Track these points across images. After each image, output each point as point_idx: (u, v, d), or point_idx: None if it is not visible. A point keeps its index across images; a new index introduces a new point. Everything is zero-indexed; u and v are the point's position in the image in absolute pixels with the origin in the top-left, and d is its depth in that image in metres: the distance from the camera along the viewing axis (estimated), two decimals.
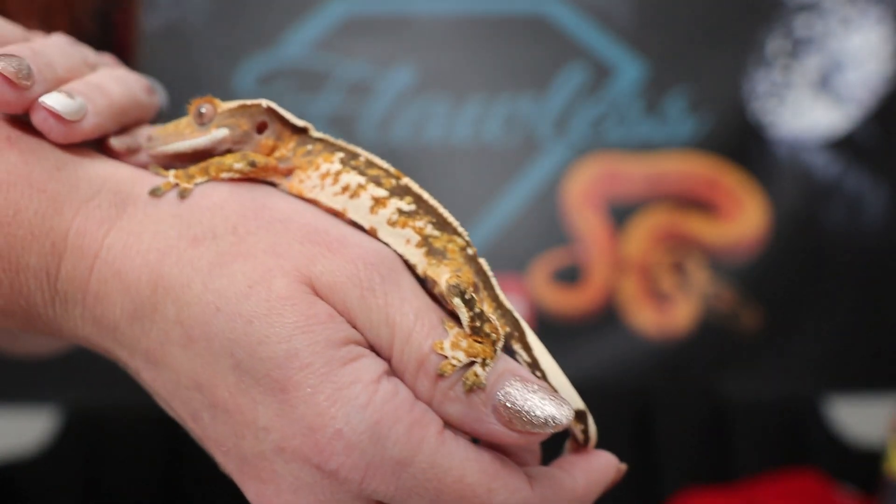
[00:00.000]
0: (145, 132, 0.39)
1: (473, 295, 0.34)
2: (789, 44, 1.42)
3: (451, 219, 0.36)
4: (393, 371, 0.34)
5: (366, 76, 1.38)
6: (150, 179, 0.36)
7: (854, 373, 1.42)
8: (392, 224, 0.36)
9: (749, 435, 1.35)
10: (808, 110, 1.42)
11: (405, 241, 0.36)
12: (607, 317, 1.40)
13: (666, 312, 1.41)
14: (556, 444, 0.37)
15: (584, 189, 1.41)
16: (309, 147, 0.38)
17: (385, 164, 0.37)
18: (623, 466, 0.39)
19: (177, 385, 0.34)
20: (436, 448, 0.32)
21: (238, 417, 0.33)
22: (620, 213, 1.41)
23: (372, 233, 0.36)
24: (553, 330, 1.38)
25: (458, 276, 0.34)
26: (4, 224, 0.33)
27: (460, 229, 0.36)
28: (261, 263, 0.33)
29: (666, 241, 1.42)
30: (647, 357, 1.38)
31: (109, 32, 0.53)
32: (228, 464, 0.34)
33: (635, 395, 1.33)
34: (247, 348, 0.32)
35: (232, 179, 0.36)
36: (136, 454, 1.29)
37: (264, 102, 0.38)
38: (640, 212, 1.41)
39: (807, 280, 1.42)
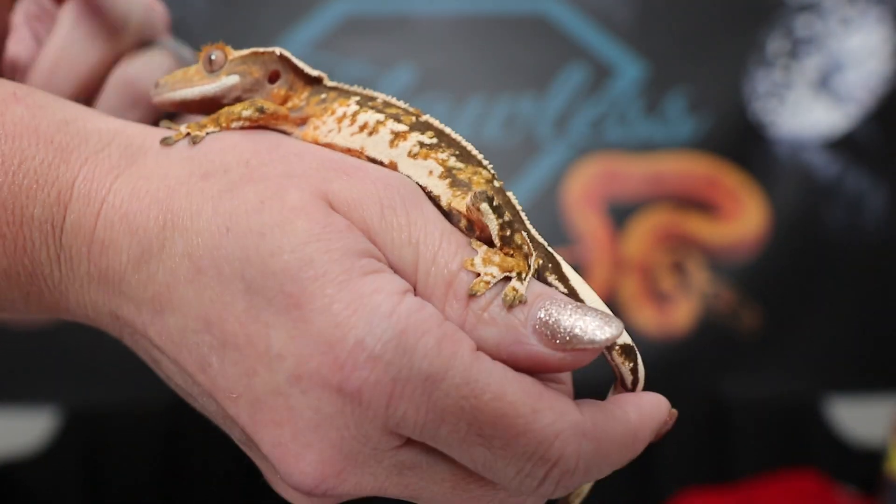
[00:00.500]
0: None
1: (502, 203, 0.31)
2: (789, 44, 1.42)
3: (475, 151, 0.34)
4: (418, 295, 0.31)
5: (366, 76, 1.38)
6: (161, 133, 0.35)
7: (854, 373, 1.42)
8: (413, 156, 0.34)
9: (749, 435, 1.35)
10: (808, 110, 1.42)
11: (427, 173, 0.34)
12: None
13: (666, 312, 1.41)
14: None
15: (584, 189, 1.41)
16: (323, 96, 0.36)
17: (404, 104, 0.35)
18: (675, 412, 0.36)
19: (184, 331, 0.31)
20: (470, 363, 0.29)
21: (249, 351, 0.30)
22: (620, 213, 1.41)
23: (392, 167, 0.34)
24: None
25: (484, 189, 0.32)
26: (9, 173, 0.32)
27: (486, 162, 0.34)
28: (273, 184, 0.31)
29: (666, 241, 1.42)
30: (647, 357, 1.37)
31: None
32: (241, 415, 0.31)
33: None
34: (258, 264, 0.30)
35: (243, 128, 0.35)
36: (136, 454, 1.29)
37: (277, 50, 0.37)
38: (640, 212, 1.41)
39: (807, 280, 1.42)
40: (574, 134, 1.41)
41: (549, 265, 0.34)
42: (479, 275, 0.31)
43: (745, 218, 1.42)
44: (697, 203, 1.42)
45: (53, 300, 0.34)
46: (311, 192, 0.31)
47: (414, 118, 0.35)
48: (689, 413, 1.35)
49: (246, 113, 0.35)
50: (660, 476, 1.33)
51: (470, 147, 0.34)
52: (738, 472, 1.32)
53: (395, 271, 0.31)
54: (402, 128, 0.34)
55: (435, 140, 0.34)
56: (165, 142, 0.34)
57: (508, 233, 0.31)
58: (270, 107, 0.35)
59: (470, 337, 0.30)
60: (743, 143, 1.42)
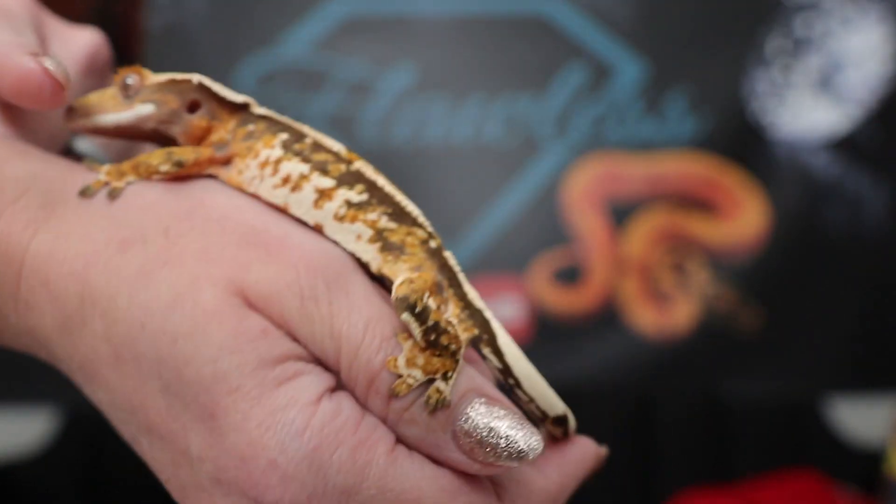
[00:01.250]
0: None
1: (428, 303, 0.30)
2: (789, 44, 1.42)
3: (410, 207, 0.32)
4: (342, 384, 0.31)
5: (366, 76, 1.38)
6: (82, 177, 0.33)
7: (854, 373, 1.42)
8: (339, 219, 0.32)
9: (749, 435, 1.35)
10: (808, 110, 1.42)
11: (356, 237, 0.32)
12: (607, 317, 1.40)
13: (666, 312, 1.41)
14: None
15: (584, 189, 1.41)
16: (250, 127, 0.34)
17: (336, 147, 0.33)
18: (603, 451, 0.36)
19: (112, 405, 0.32)
20: (385, 470, 0.29)
21: (172, 445, 0.31)
22: (620, 213, 1.41)
23: (318, 230, 0.32)
24: (553, 330, 1.38)
25: (409, 283, 0.30)
26: None
27: (421, 219, 0.33)
28: (188, 271, 0.30)
29: (666, 241, 1.42)
30: (647, 357, 1.38)
31: (112, 24, 0.52)
32: (172, 491, 0.32)
33: (635, 396, 1.33)
34: (173, 370, 0.29)
35: (163, 180, 0.33)
36: (135, 454, 1.28)
37: (195, 78, 0.34)
38: (640, 212, 1.41)
39: (807, 280, 1.42)
40: (574, 134, 1.41)
41: (485, 336, 0.32)
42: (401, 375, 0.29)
43: (745, 218, 1.42)
44: (697, 203, 1.42)
45: None
46: (226, 287, 0.29)
47: (344, 167, 0.32)
48: (689, 413, 1.35)
49: (164, 168, 0.32)
50: (660, 476, 1.33)
51: (405, 202, 0.32)
52: (738, 472, 1.32)
53: (319, 359, 0.30)
54: (327, 183, 0.32)
55: (364, 197, 0.32)
56: (85, 193, 0.32)
57: (433, 337, 0.30)
58: (189, 158, 0.33)
59: (392, 430, 0.30)
60: (743, 143, 1.42)
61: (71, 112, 0.35)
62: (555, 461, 0.33)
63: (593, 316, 1.40)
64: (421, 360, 0.29)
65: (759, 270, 1.41)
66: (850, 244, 1.42)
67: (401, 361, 0.29)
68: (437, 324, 0.30)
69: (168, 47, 1.34)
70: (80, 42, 0.40)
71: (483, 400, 0.30)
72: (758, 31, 1.42)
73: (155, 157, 0.33)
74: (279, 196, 0.32)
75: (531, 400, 0.33)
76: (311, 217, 0.32)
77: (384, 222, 0.32)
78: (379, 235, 0.32)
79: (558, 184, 1.41)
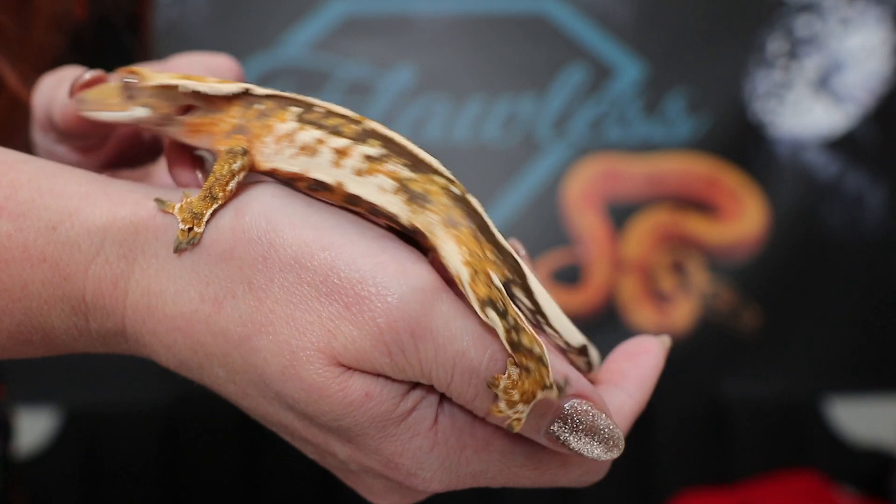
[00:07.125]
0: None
1: (505, 303, 0.30)
2: (789, 44, 1.42)
3: (428, 158, 0.32)
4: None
5: (366, 76, 1.38)
6: (154, 222, 0.33)
7: (854, 373, 1.42)
8: (360, 174, 0.32)
9: (749, 435, 1.35)
10: (807, 110, 1.42)
11: (379, 190, 0.32)
12: (607, 317, 1.40)
13: (666, 312, 1.41)
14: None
15: (584, 189, 1.41)
16: (260, 107, 0.34)
17: (347, 112, 0.33)
18: (667, 342, 0.39)
19: (249, 410, 0.34)
20: (505, 451, 0.33)
21: (316, 446, 0.34)
22: (620, 213, 1.41)
23: (338, 188, 0.32)
24: None
25: (469, 267, 0.31)
26: (16, 300, 0.33)
27: (439, 166, 0.33)
28: (284, 342, 0.31)
29: (666, 241, 1.42)
30: None
31: (134, 25, 0.53)
32: (320, 463, 0.36)
33: None
34: (305, 416, 0.32)
35: (231, 195, 0.33)
36: (135, 454, 1.29)
37: (181, 85, 0.34)
38: (640, 212, 1.41)
39: (807, 280, 1.42)
40: (574, 134, 1.41)
41: (518, 280, 0.33)
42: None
43: (744, 218, 1.42)
44: (697, 203, 1.42)
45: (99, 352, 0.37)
46: (321, 360, 0.31)
47: (356, 127, 0.33)
48: (689, 413, 1.35)
49: (236, 166, 0.33)
50: (660, 476, 1.33)
51: (421, 153, 0.32)
52: (738, 472, 1.32)
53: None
54: (343, 143, 0.32)
55: (382, 150, 0.32)
56: (178, 249, 0.32)
57: (516, 337, 0.30)
58: (245, 161, 0.33)
59: None
60: (743, 143, 1.42)
61: (80, 102, 0.36)
62: (633, 379, 0.37)
63: (593, 315, 1.40)
64: (516, 394, 0.31)
65: (758, 270, 1.41)
66: (850, 244, 1.42)
67: (503, 406, 0.31)
68: (516, 322, 0.30)
69: (168, 47, 1.34)
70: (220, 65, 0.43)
71: (570, 412, 0.32)
72: (758, 31, 1.42)
73: (219, 167, 0.33)
74: (298, 165, 0.33)
75: (558, 333, 0.35)
76: (332, 177, 0.32)
77: (405, 173, 0.32)
78: (402, 186, 0.32)
79: (558, 184, 1.41)
